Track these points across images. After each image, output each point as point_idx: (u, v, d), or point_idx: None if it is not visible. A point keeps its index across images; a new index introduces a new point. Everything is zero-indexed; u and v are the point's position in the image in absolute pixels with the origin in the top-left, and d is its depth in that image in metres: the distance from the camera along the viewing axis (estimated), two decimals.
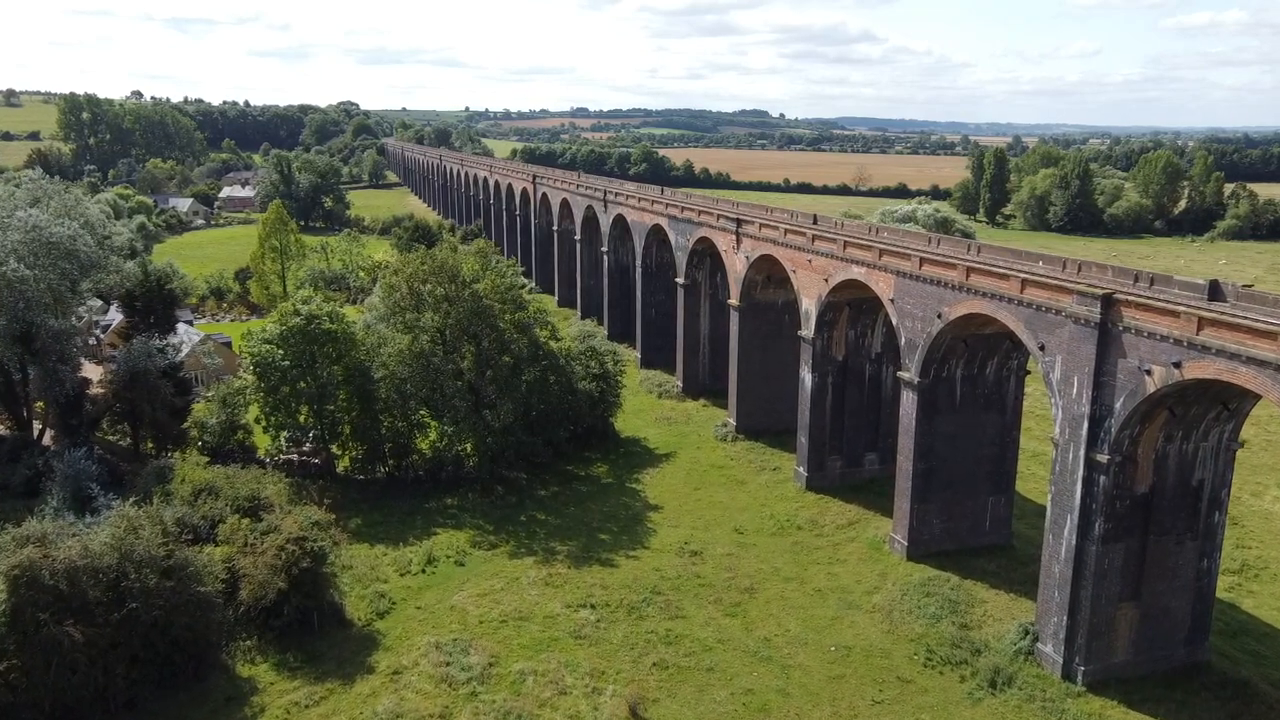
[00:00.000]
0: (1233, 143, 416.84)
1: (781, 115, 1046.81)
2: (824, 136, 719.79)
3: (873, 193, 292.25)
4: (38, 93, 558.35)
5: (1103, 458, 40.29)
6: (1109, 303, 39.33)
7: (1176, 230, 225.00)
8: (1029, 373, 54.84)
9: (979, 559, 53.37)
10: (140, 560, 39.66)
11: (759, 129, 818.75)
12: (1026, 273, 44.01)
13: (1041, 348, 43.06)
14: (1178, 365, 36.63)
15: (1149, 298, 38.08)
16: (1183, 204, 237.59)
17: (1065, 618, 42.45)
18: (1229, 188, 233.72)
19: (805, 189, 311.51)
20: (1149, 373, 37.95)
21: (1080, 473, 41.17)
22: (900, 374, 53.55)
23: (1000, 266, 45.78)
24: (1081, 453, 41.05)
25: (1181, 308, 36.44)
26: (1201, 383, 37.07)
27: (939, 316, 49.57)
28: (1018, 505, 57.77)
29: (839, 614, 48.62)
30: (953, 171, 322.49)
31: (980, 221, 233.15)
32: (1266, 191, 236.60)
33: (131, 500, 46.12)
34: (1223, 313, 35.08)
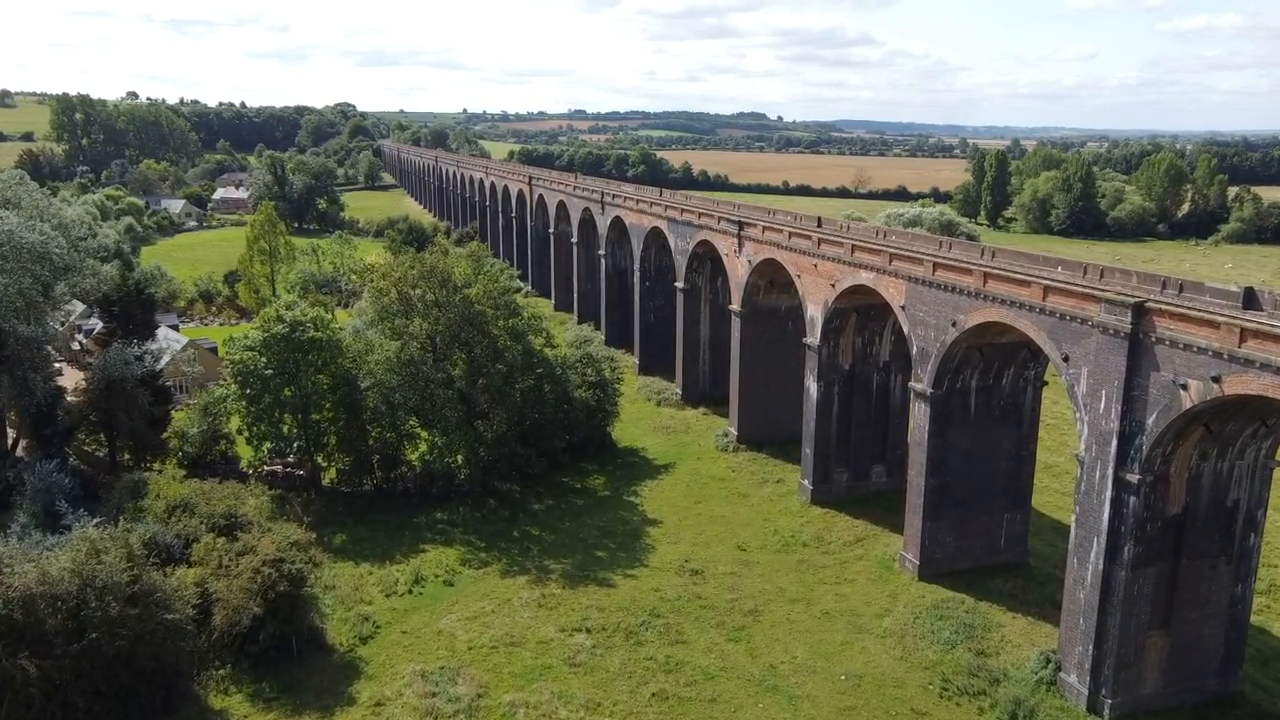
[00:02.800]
0: (1232, 145, 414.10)
1: (779, 118, 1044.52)
2: (822, 139, 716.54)
3: (873, 195, 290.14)
4: (32, 93, 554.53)
5: (1133, 477, 37.76)
6: (1140, 312, 36.80)
7: (1180, 233, 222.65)
8: (1046, 383, 52.35)
9: (994, 579, 50.81)
10: (103, 586, 37.00)
11: (757, 131, 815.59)
12: (1048, 279, 41.50)
13: (1066, 359, 40.49)
14: (1217, 380, 34.09)
15: (1185, 307, 35.55)
16: (1186, 207, 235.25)
17: (1091, 647, 39.88)
18: (1232, 191, 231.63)
19: (804, 191, 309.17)
20: (1184, 387, 35.39)
21: (1108, 493, 38.60)
22: (912, 384, 51.01)
23: (1019, 272, 43.30)
24: (1109, 472, 38.50)
25: (1221, 318, 33.89)
26: (1241, 397, 34.54)
27: (954, 324, 47.05)
28: (1032, 521, 55.22)
29: (848, 639, 46.05)
30: (951, 174, 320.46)
31: (982, 224, 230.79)
32: (1269, 194, 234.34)
33: (97, 520, 43.44)
34: (1267, 324, 32.54)
